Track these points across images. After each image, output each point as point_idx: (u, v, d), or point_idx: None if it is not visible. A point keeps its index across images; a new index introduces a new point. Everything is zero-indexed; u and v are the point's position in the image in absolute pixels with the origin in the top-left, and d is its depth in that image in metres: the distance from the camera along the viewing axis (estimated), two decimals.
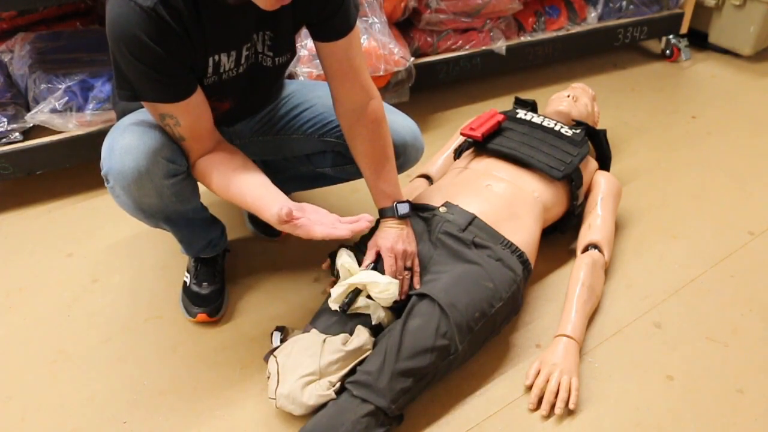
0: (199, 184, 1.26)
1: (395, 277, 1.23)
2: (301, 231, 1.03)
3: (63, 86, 1.69)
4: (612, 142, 1.72)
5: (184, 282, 1.43)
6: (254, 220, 1.64)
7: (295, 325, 1.30)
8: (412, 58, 2.01)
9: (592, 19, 2.41)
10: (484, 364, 1.28)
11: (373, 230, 1.35)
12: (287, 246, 1.60)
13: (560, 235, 1.57)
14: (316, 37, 1.19)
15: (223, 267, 1.48)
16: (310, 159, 1.45)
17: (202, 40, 1.05)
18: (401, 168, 1.38)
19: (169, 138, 1.13)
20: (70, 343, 1.35)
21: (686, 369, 1.28)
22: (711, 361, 1.30)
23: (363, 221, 1.05)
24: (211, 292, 1.40)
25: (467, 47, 2.18)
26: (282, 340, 1.23)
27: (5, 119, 1.69)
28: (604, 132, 1.66)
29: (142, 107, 1.21)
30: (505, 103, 2.16)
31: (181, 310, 1.41)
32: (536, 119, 1.61)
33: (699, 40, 2.69)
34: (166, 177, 1.13)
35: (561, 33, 2.35)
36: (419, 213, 1.36)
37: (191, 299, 1.39)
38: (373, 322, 1.22)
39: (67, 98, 1.69)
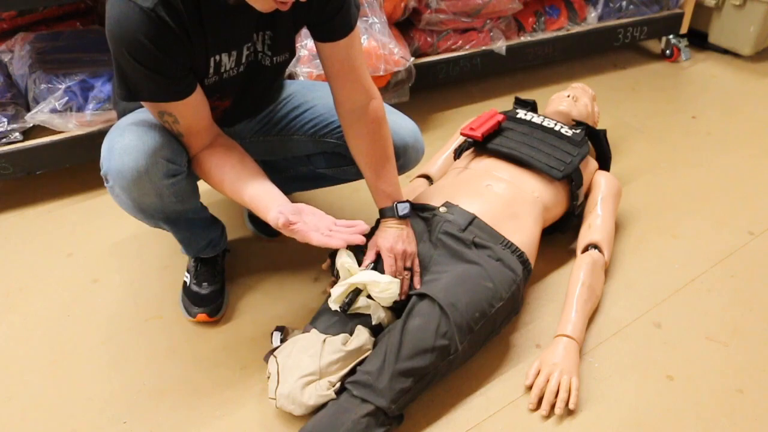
0: (199, 184, 1.26)
1: (395, 277, 1.23)
2: (298, 236, 1.04)
3: (63, 86, 1.69)
4: (612, 142, 1.72)
5: (184, 282, 1.43)
6: (254, 219, 1.64)
7: (295, 325, 1.30)
8: (412, 58, 2.01)
9: (592, 19, 2.41)
10: (484, 364, 1.28)
11: (373, 230, 1.36)
12: (287, 246, 1.60)
13: (560, 235, 1.57)
14: (317, 37, 1.20)
15: (223, 267, 1.48)
16: (310, 159, 1.45)
17: (203, 40, 1.05)
18: (402, 169, 1.38)
19: (168, 138, 1.13)
20: (70, 343, 1.35)
21: (686, 369, 1.28)
22: (711, 361, 1.30)
23: (358, 234, 1.06)
24: (211, 292, 1.40)
25: (467, 47, 2.18)
26: (282, 340, 1.23)
27: (5, 119, 1.69)
28: (604, 132, 1.66)
29: (143, 107, 1.21)
30: (505, 103, 2.16)
31: (181, 310, 1.41)
32: (536, 119, 1.61)
33: (699, 40, 2.69)
34: (166, 177, 1.13)
35: (561, 33, 2.35)
36: (419, 213, 1.36)
37: (191, 299, 1.39)
38: (373, 323, 1.22)
39: (67, 98, 1.69)
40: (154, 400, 1.23)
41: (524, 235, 1.34)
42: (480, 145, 1.55)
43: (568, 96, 1.73)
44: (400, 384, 1.10)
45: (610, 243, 1.50)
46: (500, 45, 2.20)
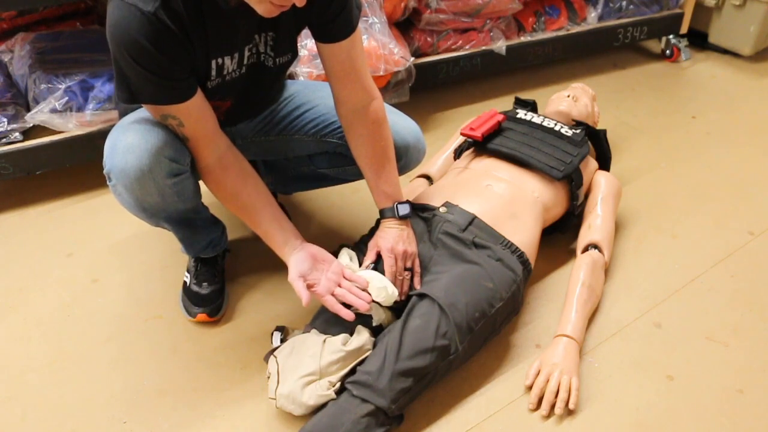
0: (200, 184, 1.26)
1: (395, 278, 1.23)
2: (315, 296, 1.18)
3: (63, 86, 1.69)
4: (612, 142, 1.72)
5: (184, 282, 1.43)
6: None
7: (295, 325, 1.30)
8: (412, 58, 2.01)
9: (592, 19, 2.41)
10: (484, 364, 1.28)
11: (373, 230, 1.36)
12: None
13: (560, 235, 1.57)
14: (319, 38, 1.20)
15: (223, 267, 1.48)
16: (311, 159, 1.45)
17: (205, 43, 1.05)
18: (403, 170, 1.38)
19: (172, 137, 1.13)
20: (70, 343, 1.35)
21: (686, 369, 1.28)
22: (711, 361, 1.30)
23: (363, 302, 1.17)
24: (211, 292, 1.40)
25: (467, 47, 2.18)
26: (282, 340, 1.23)
27: (5, 119, 1.69)
28: (604, 132, 1.66)
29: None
30: (505, 103, 2.16)
31: (181, 310, 1.41)
32: (536, 119, 1.61)
33: (699, 40, 2.69)
34: (169, 176, 1.13)
35: (561, 33, 2.35)
36: (419, 213, 1.36)
37: (191, 299, 1.39)
38: (374, 323, 1.22)
39: (67, 98, 1.69)
40: (154, 400, 1.23)
41: (524, 235, 1.34)
42: (480, 145, 1.55)
43: (568, 96, 1.73)
44: (400, 384, 1.10)
45: (610, 243, 1.50)
46: (500, 45, 2.20)
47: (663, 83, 2.47)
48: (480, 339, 1.23)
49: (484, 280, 1.22)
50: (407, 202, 1.29)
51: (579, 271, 1.40)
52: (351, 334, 1.18)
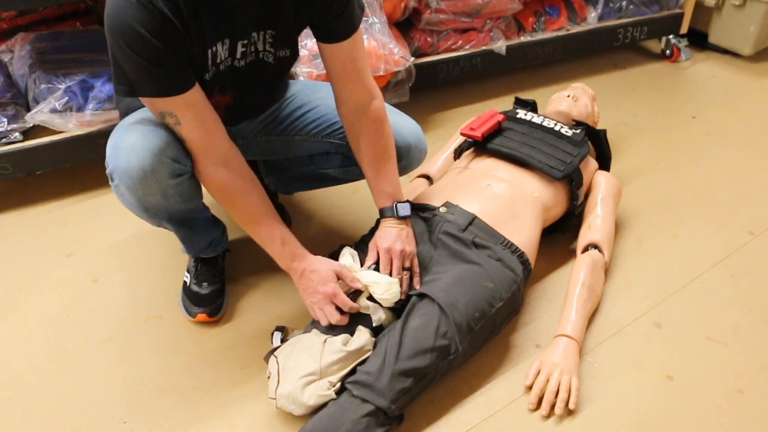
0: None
1: (393, 276, 1.23)
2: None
3: (63, 86, 1.69)
4: (612, 142, 1.72)
5: (184, 282, 1.43)
6: None
7: (296, 325, 1.30)
8: (412, 58, 2.01)
9: (592, 19, 2.41)
10: (484, 364, 1.28)
11: (373, 230, 1.36)
12: None
13: (560, 235, 1.57)
14: (320, 38, 1.20)
15: (223, 267, 1.48)
16: (313, 160, 1.45)
17: (200, 32, 1.05)
18: (404, 170, 1.38)
19: (174, 137, 1.12)
20: (70, 343, 1.35)
21: (686, 369, 1.28)
22: (711, 361, 1.30)
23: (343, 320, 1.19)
24: (211, 292, 1.40)
25: (467, 47, 2.18)
26: (282, 340, 1.23)
27: (5, 119, 1.69)
28: (604, 132, 1.66)
29: (144, 106, 1.21)
30: (505, 103, 2.16)
31: (181, 310, 1.41)
32: (536, 119, 1.61)
33: (699, 40, 2.69)
34: (171, 177, 1.13)
35: (561, 33, 2.35)
36: (419, 213, 1.36)
37: (191, 299, 1.39)
38: (374, 324, 1.22)
39: (67, 98, 1.69)
40: (154, 400, 1.23)
41: (524, 235, 1.34)
42: (480, 145, 1.55)
43: (568, 96, 1.73)
44: (400, 384, 1.10)
45: (610, 243, 1.50)
46: (500, 45, 2.20)
47: (663, 83, 2.47)
48: (480, 339, 1.23)
49: (484, 280, 1.22)
50: (407, 201, 1.29)
51: (579, 271, 1.40)
52: (351, 335, 1.18)
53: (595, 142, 1.67)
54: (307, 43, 1.84)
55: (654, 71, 2.56)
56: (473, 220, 1.32)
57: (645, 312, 1.41)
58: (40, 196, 1.81)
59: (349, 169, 1.41)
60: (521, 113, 1.65)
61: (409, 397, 1.13)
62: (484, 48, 2.19)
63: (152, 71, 1.02)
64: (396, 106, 1.43)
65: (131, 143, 1.10)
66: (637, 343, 1.34)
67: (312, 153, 1.43)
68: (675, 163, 1.95)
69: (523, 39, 2.28)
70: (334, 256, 1.35)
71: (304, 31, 1.23)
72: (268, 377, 1.17)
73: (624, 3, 2.47)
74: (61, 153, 1.71)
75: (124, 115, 1.27)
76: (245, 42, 1.15)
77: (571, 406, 1.18)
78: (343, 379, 1.13)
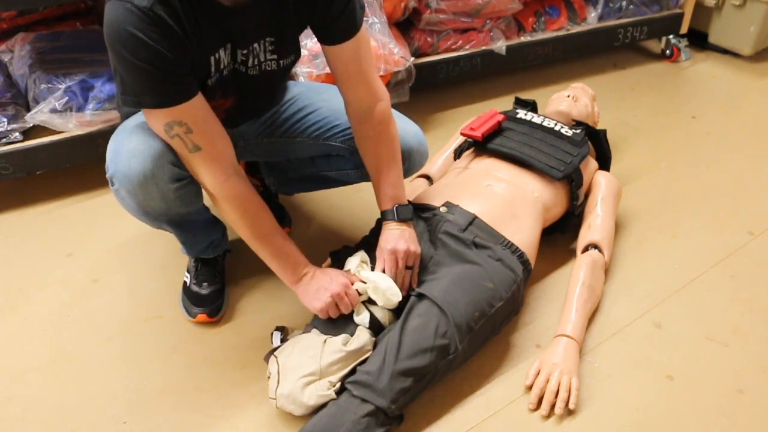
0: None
1: (395, 278, 1.23)
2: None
3: (63, 86, 1.69)
4: (612, 142, 1.72)
5: (184, 282, 1.43)
6: None
7: (296, 325, 1.30)
8: (412, 58, 2.01)
9: (592, 19, 2.41)
10: (484, 364, 1.28)
11: (373, 230, 1.36)
12: None
13: (560, 235, 1.57)
14: (323, 40, 1.19)
15: (223, 267, 1.48)
16: (314, 162, 1.45)
17: (200, 38, 1.05)
18: (406, 173, 1.38)
19: None
20: (70, 343, 1.35)
21: (686, 369, 1.28)
22: (711, 361, 1.30)
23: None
24: (212, 292, 1.40)
25: (467, 47, 2.18)
26: (282, 340, 1.23)
27: (5, 119, 1.69)
28: (604, 132, 1.66)
29: None
30: (505, 103, 2.16)
31: (181, 311, 1.41)
32: (536, 119, 1.61)
33: (699, 40, 2.69)
34: (172, 181, 1.13)
35: (561, 33, 2.35)
36: (420, 213, 1.36)
37: (191, 299, 1.39)
38: (368, 324, 1.21)
39: (67, 98, 1.69)
40: (154, 400, 1.23)
41: (524, 235, 1.34)
42: (480, 145, 1.55)
43: (568, 96, 1.73)
44: (400, 384, 1.10)
45: (610, 243, 1.50)
46: (500, 45, 2.20)
47: (663, 83, 2.47)
48: (480, 339, 1.23)
49: (484, 280, 1.22)
50: (409, 204, 1.29)
51: (579, 271, 1.40)
52: (351, 335, 1.18)
53: (595, 142, 1.67)
54: (307, 43, 1.84)
55: (654, 71, 2.56)
56: (473, 220, 1.32)
57: (645, 312, 1.41)
58: (40, 196, 1.81)
59: (349, 172, 1.41)
60: (521, 113, 1.65)
61: (409, 397, 1.13)
62: (484, 48, 2.19)
63: (157, 79, 1.01)
64: (396, 106, 1.43)
65: (132, 148, 1.10)
66: (637, 343, 1.34)
67: (313, 155, 1.43)
68: (675, 163, 1.95)
69: (523, 39, 2.28)
70: (336, 255, 1.36)
71: (306, 31, 1.23)
72: (268, 377, 1.17)
73: (624, 3, 2.47)
74: (61, 153, 1.71)
75: (125, 117, 1.26)
76: (245, 52, 1.14)
77: (571, 406, 1.18)
78: (343, 379, 1.13)
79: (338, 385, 1.12)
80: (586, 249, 1.47)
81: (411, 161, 1.36)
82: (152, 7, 0.96)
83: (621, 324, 1.38)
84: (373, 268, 1.26)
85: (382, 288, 1.20)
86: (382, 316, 1.22)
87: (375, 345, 1.19)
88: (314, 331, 1.20)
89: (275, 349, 1.21)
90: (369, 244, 1.32)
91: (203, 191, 1.23)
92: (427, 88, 2.19)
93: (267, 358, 1.21)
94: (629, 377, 1.26)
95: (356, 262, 1.26)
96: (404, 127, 1.35)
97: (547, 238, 1.50)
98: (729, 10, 2.52)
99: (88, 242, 1.64)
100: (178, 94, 1.04)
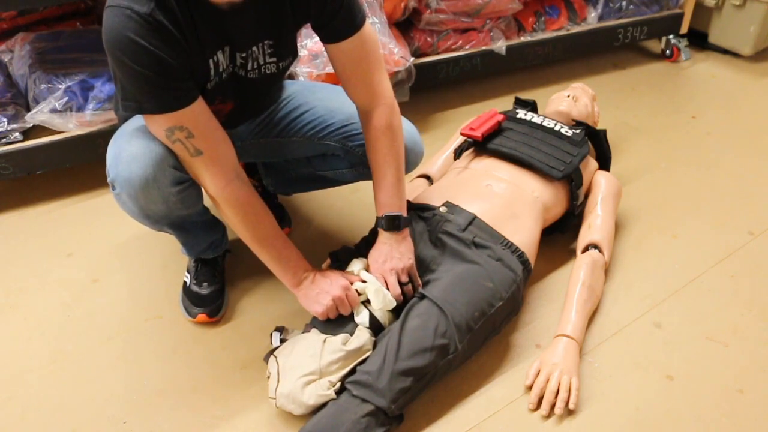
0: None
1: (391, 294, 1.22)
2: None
3: (63, 86, 1.69)
4: (612, 142, 1.72)
5: (184, 282, 1.43)
6: None
7: (295, 325, 1.30)
8: (412, 58, 2.01)
9: (592, 19, 2.41)
10: (484, 364, 1.28)
11: (373, 231, 1.36)
12: None
13: (560, 235, 1.57)
14: (323, 39, 1.19)
15: (223, 267, 1.48)
16: (311, 161, 1.45)
17: (198, 42, 1.05)
18: None
19: None
20: (70, 343, 1.35)
21: (686, 369, 1.28)
22: (711, 361, 1.30)
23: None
24: (212, 292, 1.40)
25: (467, 47, 2.18)
26: (282, 340, 1.23)
27: (5, 119, 1.69)
28: (604, 132, 1.66)
29: None
30: (505, 103, 2.16)
31: (181, 311, 1.41)
32: (536, 119, 1.61)
33: (699, 40, 2.69)
34: (173, 184, 1.13)
35: (561, 33, 2.35)
36: (420, 213, 1.36)
37: (191, 299, 1.39)
38: (361, 323, 1.22)
39: (67, 98, 1.69)
40: (154, 400, 1.23)
41: (524, 235, 1.34)
42: (480, 145, 1.55)
43: (568, 96, 1.73)
44: (400, 384, 1.10)
45: (610, 243, 1.50)
46: (500, 45, 2.20)
47: (663, 83, 2.47)
48: (480, 339, 1.23)
49: (483, 279, 1.22)
50: (409, 203, 1.28)
51: (579, 271, 1.40)
52: (351, 334, 1.18)
53: (595, 142, 1.67)
54: (307, 43, 1.84)
55: (654, 71, 2.56)
56: (473, 219, 1.32)
57: (645, 312, 1.41)
58: (40, 196, 1.81)
59: (345, 172, 1.40)
60: (521, 113, 1.65)
61: (409, 397, 1.13)
62: (484, 48, 2.19)
63: (158, 85, 1.00)
64: None
65: (133, 152, 1.09)
66: (637, 343, 1.34)
67: (309, 155, 1.42)
68: (675, 163, 1.95)
69: (523, 39, 2.28)
70: (335, 255, 1.36)
71: (304, 31, 1.23)
72: (268, 377, 1.17)
73: (624, 3, 2.47)
74: (61, 153, 1.71)
75: (123, 121, 1.26)
76: (244, 55, 1.14)
77: (571, 406, 1.18)
78: (343, 379, 1.13)
79: (338, 384, 1.12)
80: (586, 249, 1.47)
81: (405, 161, 1.32)
82: (152, 13, 0.95)
83: (621, 324, 1.38)
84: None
85: (378, 288, 1.20)
86: (381, 315, 1.22)
87: (375, 345, 1.19)
88: (314, 330, 1.20)
89: (275, 349, 1.21)
90: (369, 244, 1.32)
91: (203, 193, 1.23)
92: (427, 88, 2.19)
93: (267, 358, 1.22)
94: (629, 377, 1.26)
95: (359, 267, 1.26)
96: None
97: (547, 238, 1.50)
98: (729, 10, 2.52)
99: (88, 242, 1.64)
100: (179, 99, 1.04)
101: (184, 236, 1.37)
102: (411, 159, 1.36)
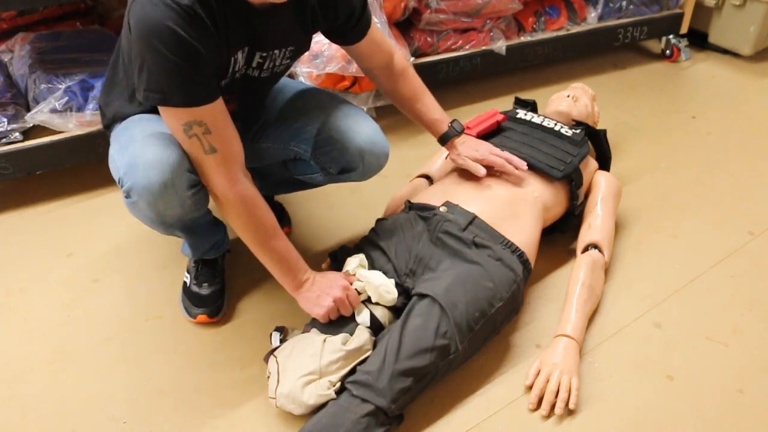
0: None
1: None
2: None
3: (63, 86, 1.69)
4: (612, 142, 1.72)
5: (184, 282, 1.43)
6: None
7: (295, 325, 1.30)
8: (412, 58, 2.01)
9: (592, 19, 2.41)
10: (484, 364, 1.28)
11: (373, 230, 1.36)
12: None
13: (560, 235, 1.57)
14: (341, 43, 1.30)
15: (223, 267, 1.48)
16: (287, 166, 1.44)
17: (227, 40, 1.07)
18: (363, 177, 1.33)
19: None
20: (70, 343, 1.35)
21: (686, 369, 1.28)
22: (711, 361, 1.30)
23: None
24: (212, 292, 1.40)
25: (467, 47, 2.18)
26: (282, 340, 1.23)
27: (5, 119, 1.69)
28: (604, 132, 1.66)
29: (138, 113, 1.20)
30: (505, 103, 2.16)
31: (181, 311, 1.41)
32: (536, 119, 1.61)
33: (699, 40, 2.69)
34: (189, 188, 1.13)
35: (561, 33, 2.35)
36: (420, 213, 1.36)
37: (191, 300, 1.39)
38: (367, 323, 1.22)
39: (67, 98, 1.69)
40: (154, 400, 1.23)
41: (524, 235, 1.34)
42: None
43: (568, 96, 1.73)
44: (400, 384, 1.10)
45: (610, 243, 1.50)
46: (500, 45, 2.20)
47: (663, 83, 2.47)
48: (480, 339, 1.23)
49: (484, 279, 1.22)
50: (409, 203, 1.30)
51: (579, 271, 1.40)
52: (351, 334, 1.18)
53: (595, 142, 1.67)
54: None
55: (654, 71, 2.56)
56: (473, 219, 1.32)
57: (645, 312, 1.41)
58: (40, 196, 1.81)
59: (313, 176, 1.38)
60: (521, 113, 1.65)
61: (409, 397, 1.13)
62: (484, 48, 2.19)
63: (188, 76, 1.01)
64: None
65: (150, 159, 1.09)
66: (637, 343, 1.34)
67: (282, 159, 1.41)
68: (675, 163, 1.95)
69: (523, 39, 2.28)
70: (335, 255, 1.36)
71: None
72: (268, 377, 1.17)
73: (624, 3, 2.47)
74: (61, 153, 1.71)
75: (110, 120, 1.26)
76: (264, 54, 1.16)
77: (571, 406, 1.18)
78: (343, 379, 1.13)
79: (338, 384, 1.12)
80: (586, 249, 1.47)
81: (365, 164, 1.30)
82: (193, 5, 0.97)
83: (621, 324, 1.38)
84: (371, 267, 1.27)
85: (376, 284, 1.20)
86: (381, 315, 1.22)
87: (375, 344, 1.19)
88: (314, 330, 1.20)
89: (275, 349, 1.21)
90: (369, 243, 1.32)
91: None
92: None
93: (267, 358, 1.22)
94: (629, 377, 1.26)
95: (355, 263, 1.26)
96: (356, 129, 1.28)
97: (547, 238, 1.50)
98: (729, 10, 2.52)
99: (88, 242, 1.64)
100: (205, 94, 1.05)
101: (192, 238, 1.37)
102: (371, 162, 1.30)
